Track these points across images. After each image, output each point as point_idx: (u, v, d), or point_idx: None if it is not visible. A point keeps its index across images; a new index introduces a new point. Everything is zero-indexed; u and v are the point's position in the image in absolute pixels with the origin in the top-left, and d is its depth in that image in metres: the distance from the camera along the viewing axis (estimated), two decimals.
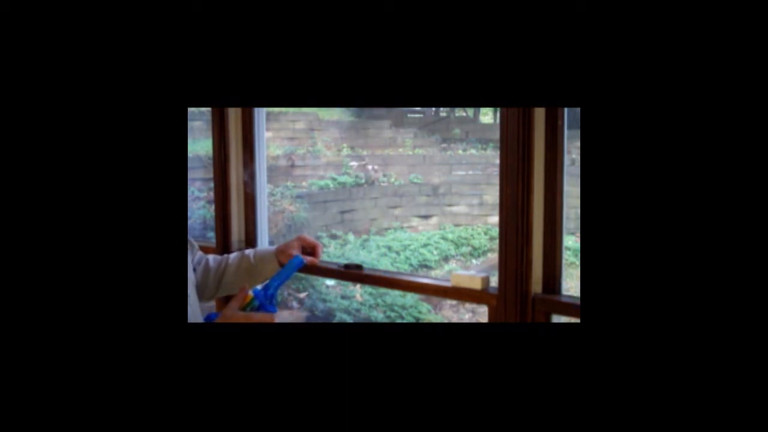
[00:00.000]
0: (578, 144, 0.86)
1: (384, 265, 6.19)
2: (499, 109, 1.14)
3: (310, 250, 1.36)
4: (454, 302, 5.89)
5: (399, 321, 5.32)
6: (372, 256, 6.57)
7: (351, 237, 7.28)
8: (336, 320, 5.20)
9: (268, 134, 7.41)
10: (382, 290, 5.56)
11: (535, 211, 1.11)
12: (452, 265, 7.22)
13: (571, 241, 6.11)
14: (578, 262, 1.00)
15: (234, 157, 1.61)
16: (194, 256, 1.39)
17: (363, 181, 8.11)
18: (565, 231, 1.12)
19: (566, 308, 1.09)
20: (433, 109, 10.10)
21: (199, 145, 6.42)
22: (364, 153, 8.56)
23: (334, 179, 7.83)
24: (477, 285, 1.20)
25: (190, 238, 1.31)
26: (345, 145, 8.60)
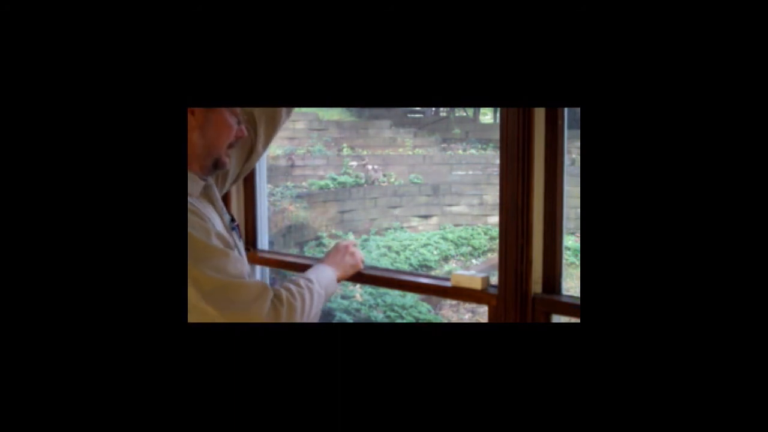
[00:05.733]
0: (578, 144, 0.86)
1: (384, 265, 6.19)
2: (499, 109, 1.14)
3: None
4: (454, 302, 5.89)
5: (399, 321, 5.32)
6: (372, 256, 6.57)
7: (351, 237, 7.28)
8: (336, 320, 5.20)
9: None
10: (382, 290, 5.56)
11: (535, 211, 1.11)
12: (452, 265, 7.22)
13: (571, 241, 6.11)
14: (578, 262, 1.00)
15: None
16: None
17: (363, 181, 8.11)
18: (565, 231, 1.12)
19: (566, 308, 1.09)
20: (433, 109, 10.10)
21: None
22: (364, 153, 8.56)
23: (334, 179, 7.83)
24: (477, 285, 1.20)
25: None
26: (345, 145, 8.60)
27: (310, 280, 1.17)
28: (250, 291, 1.06)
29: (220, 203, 1.25)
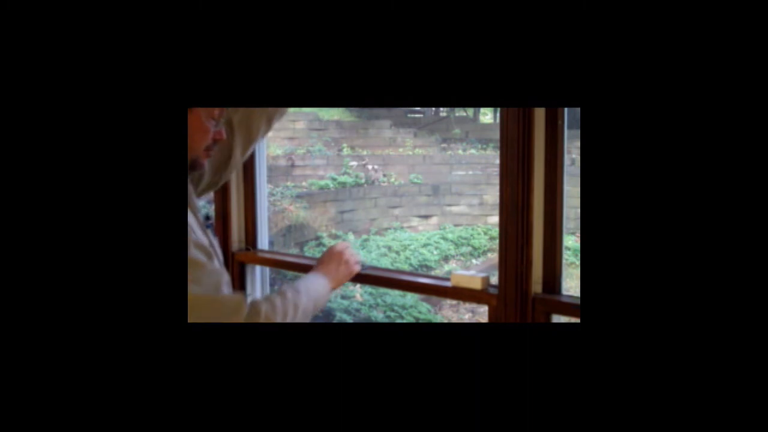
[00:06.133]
0: (578, 144, 0.86)
1: (384, 265, 6.19)
2: (499, 109, 1.14)
3: None
4: (454, 302, 5.89)
5: (399, 321, 5.32)
6: (372, 256, 6.57)
7: (351, 237, 7.28)
8: (336, 320, 5.20)
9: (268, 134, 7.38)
10: (382, 290, 5.56)
11: (535, 211, 1.11)
12: (452, 265, 7.22)
13: (571, 241, 6.12)
14: (578, 262, 1.00)
15: None
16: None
17: (363, 181, 8.11)
18: (565, 231, 1.12)
19: (566, 308, 1.09)
20: (433, 109, 10.11)
21: None
22: (364, 153, 8.56)
23: (334, 179, 7.84)
24: (477, 285, 1.20)
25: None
26: (345, 145, 8.61)
27: (297, 292, 1.15)
28: (222, 306, 1.04)
29: (193, 200, 1.22)
